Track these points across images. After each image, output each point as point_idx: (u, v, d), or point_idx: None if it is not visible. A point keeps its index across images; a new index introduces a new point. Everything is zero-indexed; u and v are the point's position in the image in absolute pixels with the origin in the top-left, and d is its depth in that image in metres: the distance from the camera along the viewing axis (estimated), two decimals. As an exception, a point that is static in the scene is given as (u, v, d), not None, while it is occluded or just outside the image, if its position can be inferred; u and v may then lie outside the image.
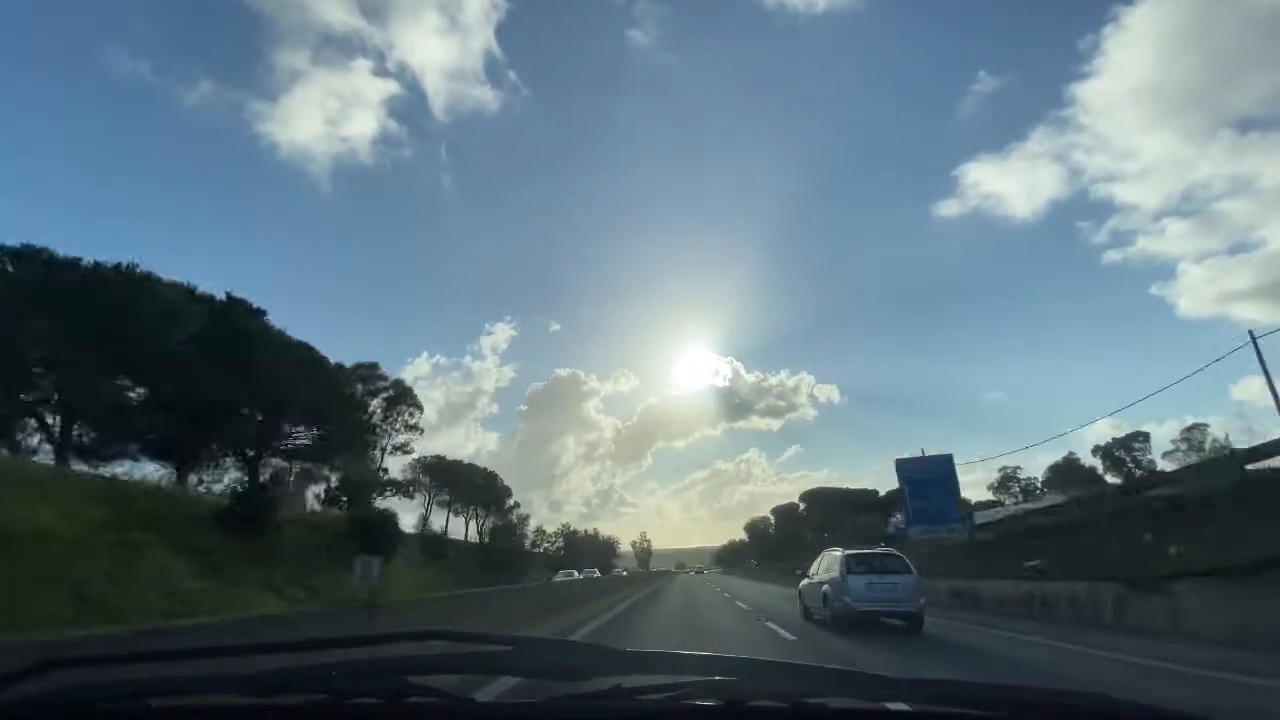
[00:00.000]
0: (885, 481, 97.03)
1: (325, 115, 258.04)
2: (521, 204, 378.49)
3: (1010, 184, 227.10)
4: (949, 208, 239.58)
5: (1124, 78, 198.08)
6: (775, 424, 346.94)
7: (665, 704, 1.11)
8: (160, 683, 1.24)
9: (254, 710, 1.16)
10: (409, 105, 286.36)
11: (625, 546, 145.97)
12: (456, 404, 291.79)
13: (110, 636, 4.44)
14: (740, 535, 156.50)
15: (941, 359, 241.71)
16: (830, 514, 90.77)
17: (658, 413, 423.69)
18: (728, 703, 1.11)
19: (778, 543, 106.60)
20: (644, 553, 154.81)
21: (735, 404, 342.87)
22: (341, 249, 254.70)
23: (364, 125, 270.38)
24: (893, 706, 1.12)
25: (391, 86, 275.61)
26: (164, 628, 5.24)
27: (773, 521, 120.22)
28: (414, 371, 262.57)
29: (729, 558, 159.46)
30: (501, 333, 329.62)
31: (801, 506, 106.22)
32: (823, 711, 1.10)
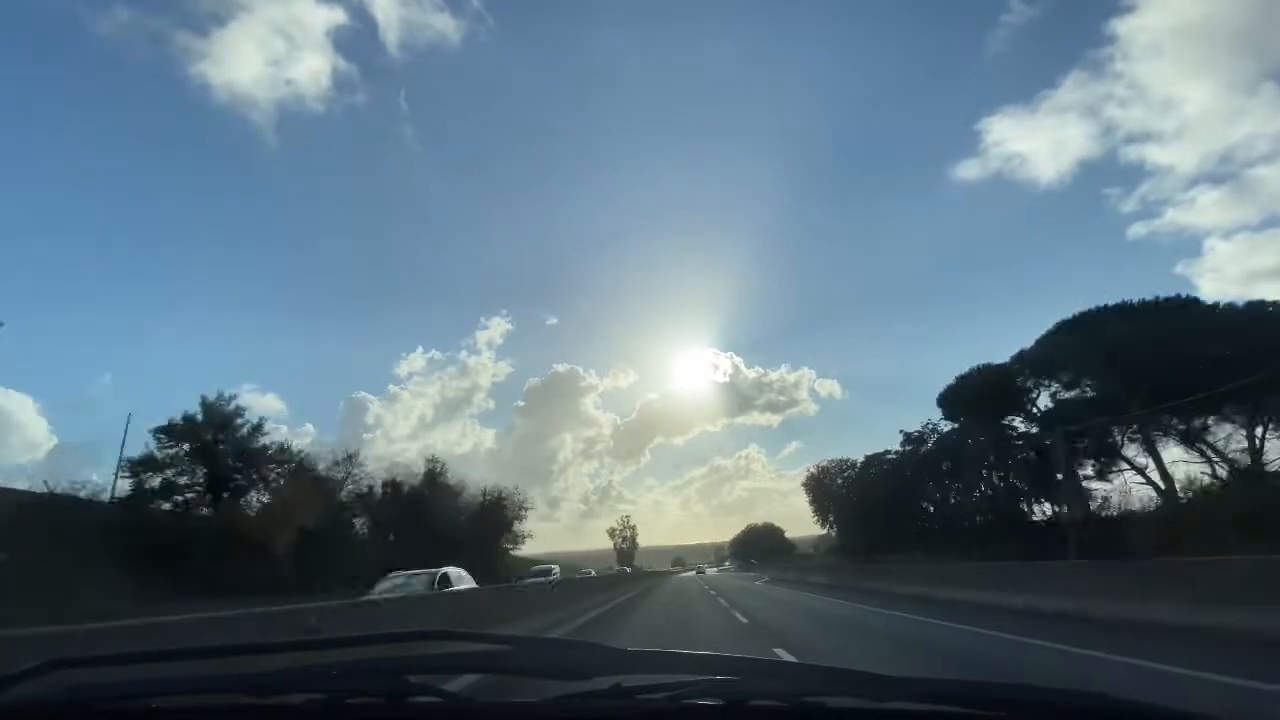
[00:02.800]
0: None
1: (268, 55, 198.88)
2: (506, 180, 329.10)
3: (1037, 142, 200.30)
4: (968, 169, 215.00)
5: (1167, 12, 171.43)
6: (775, 419, 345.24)
7: (665, 703, 1.11)
8: (162, 683, 1.24)
9: (255, 710, 1.17)
10: (359, 37, 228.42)
11: (603, 539, 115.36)
12: (452, 400, 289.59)
13: (108, 632, 4.45)
14: (753, 521, 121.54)
15: (945, 352, 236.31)
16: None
17: (656, 408, 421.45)
18: (728, 702, 1.11)
19: (880, 505, 45.28)
20: (628, 544, 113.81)
21: (735, 399, 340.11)
22: (311, 230, 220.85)
23: (312, 65, 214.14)
24: (892, 706, 1.12)
25: (337, 15, 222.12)
26: (161, 623, 5.26)
27: (856, 465, 56.62)
28: (408, 367, 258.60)
29: (745, 550, 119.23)
30: (497, 327, 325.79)
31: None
32: (823, 711, 1.10)
